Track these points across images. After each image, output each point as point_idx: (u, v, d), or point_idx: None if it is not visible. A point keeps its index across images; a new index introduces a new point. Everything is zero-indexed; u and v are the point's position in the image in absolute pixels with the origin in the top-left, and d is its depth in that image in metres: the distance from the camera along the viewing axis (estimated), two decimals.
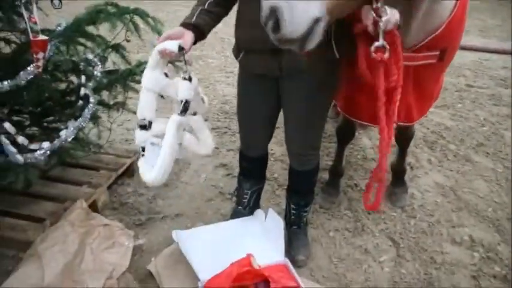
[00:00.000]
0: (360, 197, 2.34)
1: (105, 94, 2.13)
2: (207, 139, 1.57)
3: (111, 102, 2.17)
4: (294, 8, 0.94)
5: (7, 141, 1.66)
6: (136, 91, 2.06)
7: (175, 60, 1.62)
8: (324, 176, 2.42)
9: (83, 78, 1.99)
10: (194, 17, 1.44)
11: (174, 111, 1.42)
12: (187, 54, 1.39)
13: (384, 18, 1.05)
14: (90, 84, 2.00)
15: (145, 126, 1.39)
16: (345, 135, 2.22)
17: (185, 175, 2.53)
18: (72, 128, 1.89)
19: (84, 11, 1.91)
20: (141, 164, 1.44)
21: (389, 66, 1.16)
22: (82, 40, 1.98)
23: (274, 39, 1.04)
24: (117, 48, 2.06)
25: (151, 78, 1.37)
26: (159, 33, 1.88)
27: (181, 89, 1.40)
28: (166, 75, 1.42)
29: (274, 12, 0.96)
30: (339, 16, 1.10)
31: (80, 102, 1.98)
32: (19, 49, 1.88)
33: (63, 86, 2.07)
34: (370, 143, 2.96)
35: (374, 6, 1.04)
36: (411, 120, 1.88)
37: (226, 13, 1.56)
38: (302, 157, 1.75)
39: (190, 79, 1.41)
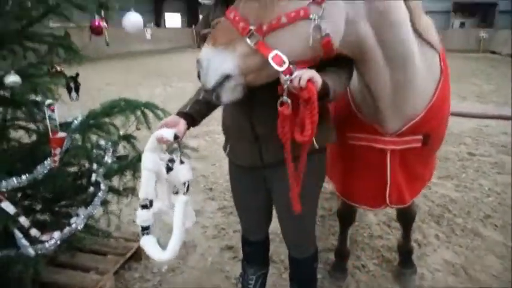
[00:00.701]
0: (369, 279, 2.29)
1: (115, 178, 2.20)
2: (190, 212, 1.59)
3: (121, 188, 2.25)
4: (210, 63, 1.17)
5: (20, 235, 1.72)
6: None
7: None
8: (331, 256, 2.38)
9: (95, 165, 2.09)
10: (188, 107, 1.57)
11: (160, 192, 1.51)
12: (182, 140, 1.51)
13: (292, 77, 1.13)
14: (101, 170, 2.11)
15: (146, 206, 1.45)
16: (346, 218, 2.23)
17: (192, 259, 2.51)
18: (82, 216, 1.96)
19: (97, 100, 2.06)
20: (145, 243, 1.46)
21: (304, 122, 1.20)
22: (96, 130, 2.13)
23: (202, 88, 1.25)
24: (128, 138, 2.20)
25: (150, 159, 1.45)
26: None
27: (182, 173, 1.49)
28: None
29: (197, 63, 1.19)
30: (260, 80, 1.22)
31: (91, 188, 2.07)
32: (38, 141, 2.02)
33: (74, 169, 2.16)
34: (376, 219, 2.95)
35: (283, 68, 1.14)
36: (403, 202, 1.87)
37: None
38: (298, 246, 1.75)
39: (183, 162, 1.51)
